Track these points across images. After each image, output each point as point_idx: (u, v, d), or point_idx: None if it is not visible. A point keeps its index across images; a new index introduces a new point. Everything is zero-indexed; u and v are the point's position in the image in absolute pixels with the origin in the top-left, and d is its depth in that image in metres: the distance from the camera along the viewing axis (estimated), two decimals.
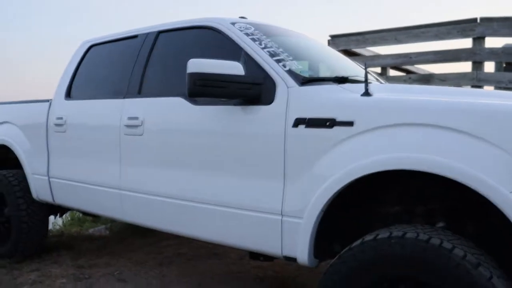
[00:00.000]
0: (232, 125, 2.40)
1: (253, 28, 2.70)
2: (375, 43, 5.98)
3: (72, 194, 3.37)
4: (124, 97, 2.98)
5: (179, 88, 2.73)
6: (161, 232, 4.73)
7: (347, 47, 6.11)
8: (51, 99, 3.63)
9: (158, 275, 3.53)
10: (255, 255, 2.62)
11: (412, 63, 6.04)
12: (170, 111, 2.69)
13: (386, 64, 5.97)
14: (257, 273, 3.59)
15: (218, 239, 2.51)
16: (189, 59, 2.77)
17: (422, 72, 6.71)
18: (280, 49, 2.57)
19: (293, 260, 2.22)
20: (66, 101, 3.45)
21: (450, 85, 5.25)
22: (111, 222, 5.38)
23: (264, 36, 2.65)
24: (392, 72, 6.63)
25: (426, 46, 5.75)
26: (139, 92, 2.92)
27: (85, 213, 4.16)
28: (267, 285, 3.35)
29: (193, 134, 2.57)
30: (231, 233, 2.42)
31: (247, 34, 2.61)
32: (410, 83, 5.55)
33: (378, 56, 6.21)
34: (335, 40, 6.14)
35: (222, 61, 2.28)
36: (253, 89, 2.31)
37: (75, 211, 4.94)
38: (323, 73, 2.68)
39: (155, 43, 3.00)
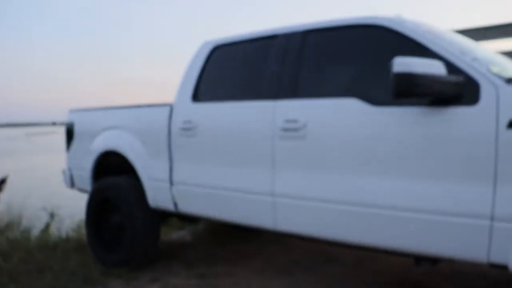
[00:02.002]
0: (427, 127, 2.26)
1: (424, 26, 2.57)
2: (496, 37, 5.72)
3: (204, 202, 3.22)
4: (275, 99, 2.85)
5: (351, 89, 2.62)
6: (260, 237, 4.65)
7: None
8: (170, 103, 3.51)
9: (287, 283, 3.40)
10: (419, 260, 2.53)
11: None
12: (342, 113, 2.55)
13: None
14: (382, 278, 3.44)
15: (398, 246, 2.38)
16: (356, 58, 2.70)
17: None
18: (464, 48, 2.43)
19: (501, 267, 2.11)
20: (194, 104, 3.31)
21: None
22: (191, 226, 5.27)
23: (441, 34, 2.51)
24: None
25: None
26: (295, 94, 2.79)
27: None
28: None
29: (374, 137, 2.42)
30: (417, 239, 2.30)
31: (426, 33, 2.47)
32: None
33: None
34: None
35: (427, 60, 2.15)
36: (456, 89, 2.18)
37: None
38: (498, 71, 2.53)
39: (304, 42, 2.86)
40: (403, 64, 2.09)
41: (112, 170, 4.22)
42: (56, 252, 4.14)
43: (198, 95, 3.35)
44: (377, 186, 2.40)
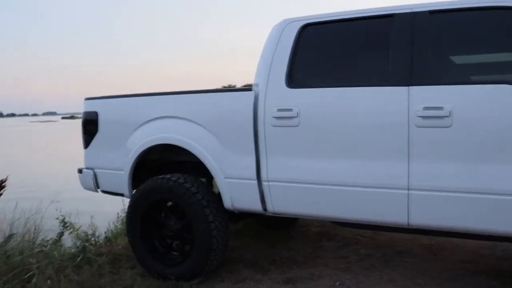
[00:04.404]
0: None
1: None
2: None
3: (312, 200, 2.85)
4: (408, 85, 2.59)
5: (502, 74, 2.47)
6: (306, 232, 4.35)
7: None
8: (251, 87, 3.06)
9: (380, 279, 3.20)
10: None
11: None
12: (495, 100, 2.40)
13: None
14: (472, 267, 3.40)
15: None
16: (502, 43, 2.54)
17: None
18: None
19: None
20: (292, 90, 2.91)
21: None
22: None
23: None
24: None
25: None
26: (433, 79, 2.56)
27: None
28: None
29: None
30: None
31: None
32: None
33: None
34: None
35: None
36: None
37: None
38: None
39: (431, 23, 2.63)
40: None
41: (155, 168, 3.65)
42: (88, 268, 3.47)
43: (293, 80, 2.95)
44: None
